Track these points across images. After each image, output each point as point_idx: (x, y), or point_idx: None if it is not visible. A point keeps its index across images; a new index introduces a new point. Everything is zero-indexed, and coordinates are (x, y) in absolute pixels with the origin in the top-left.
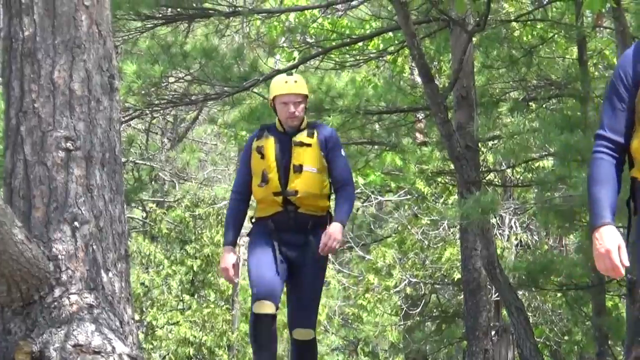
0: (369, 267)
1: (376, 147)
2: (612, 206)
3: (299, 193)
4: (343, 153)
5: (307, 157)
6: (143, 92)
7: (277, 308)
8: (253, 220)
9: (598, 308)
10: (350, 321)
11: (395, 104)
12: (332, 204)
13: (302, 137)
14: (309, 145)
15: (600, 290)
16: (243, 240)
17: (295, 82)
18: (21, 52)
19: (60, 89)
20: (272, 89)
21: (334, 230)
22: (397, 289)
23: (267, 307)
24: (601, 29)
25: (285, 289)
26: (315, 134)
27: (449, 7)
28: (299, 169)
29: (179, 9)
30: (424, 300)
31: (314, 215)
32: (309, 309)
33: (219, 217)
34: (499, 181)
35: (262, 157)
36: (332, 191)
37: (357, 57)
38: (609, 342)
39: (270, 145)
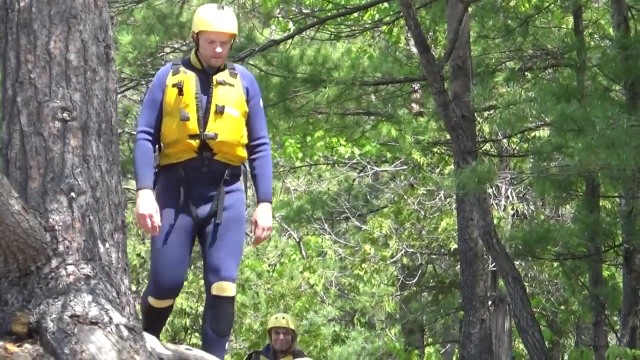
0: (365, 238)
1: (372, 117)
2: None
3: (219, 137)
4: (262, 104)
5: (230, 98)
6: (139, 62)
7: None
8: (156, 169)
9: (595, 278)
10: (346, 292)
11: (391, 74)
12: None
13: (224, 75)
14: (231, 85)
15: (597, 259)
16: None
17: (227, 19)
18: (17, 23)
19: (57, 59)
20: (198, 22)
21: (265, 218)
22: (394, 259)
23: (166, 303)
24: None
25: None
26: (239, 76)
27: None
28: (221, 110)
29: None
30: (420, 271)
31: (229, 165)
32: (229, 261)
33: None
34: (495, 151)
35: (181, 93)
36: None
37: (353, 28)
38: (606, 312)
39: (190, 81)
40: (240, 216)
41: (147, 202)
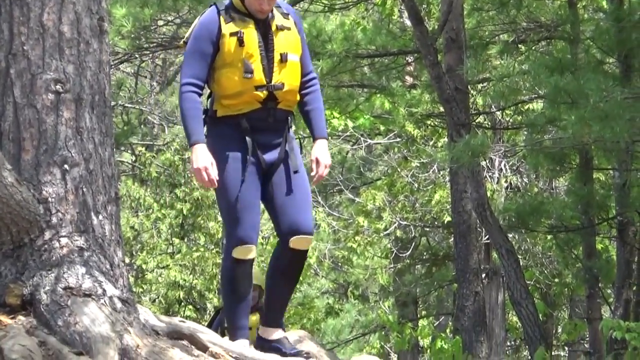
0: (359, 210)
1: (366, 90)
2: None
3: (285, 86)
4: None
5: (290, 43)
6: (132, 35)
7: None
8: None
9: (588, 250)
10: (340, 264)
11: (385, 47)
12: None
13: (280, 19)
14: (288, 29)
15: (591, 232)
16: None
17: None
18: None
19: (50, 31)
20: None
21: (325, 155)
22: (387, 231)
23: (251, 252)
24: None
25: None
26: (290, 16)
27: None
28: (285, 57)
29: None
30: (414, 243)
31: (290, 112)
32: (307, 212)
33: None
34: (489, 124)
35: (241, 44)
36: None
37: (346, 0)
38: (600, 285)
39: (251, 30)
40: (302, 163)
41: (202, 156)
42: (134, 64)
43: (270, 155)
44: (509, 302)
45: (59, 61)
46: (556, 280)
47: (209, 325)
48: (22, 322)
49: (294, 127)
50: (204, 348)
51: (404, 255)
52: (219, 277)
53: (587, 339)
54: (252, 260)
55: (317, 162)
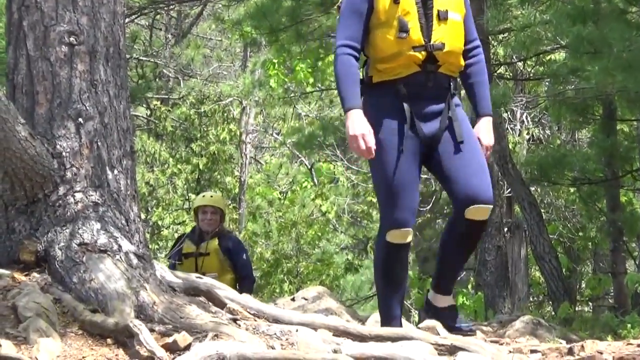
0: None
1: None
2: None
3: (446, 46)
4: None
5: (451, 1)
6: None
7: None
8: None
9: (612, 203)
10: (359, 219)
11: None
12: None
13: None
14: None
15: (615, 184)
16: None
17: None
18: None
19: None
20: None
21: (489, 136)
22: None
23: (407, 236)
24: None
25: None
26: None
27: None
28: (444, 15)
29: None
30: (434, 197)
31: (452, 77)
32: (484, 180)
33: (225, 115)
34: (510, 75)
35: (397, 0)
36: None
37: None
38: (624, 238)
39: None
40: (472, 130)
41: (358, 122)
42: (149, 16)
43: (431, 126)
44: (531, 257)
45: (72, 13)
46: (580, 234)
47: (169, 253)
48: (37, 279)
49: (457, 94)
50: (221, 304)
51: (424, 209)
52: (373, 260)
53: (612, 293)
54: (408, 244)
55: (480, 143)
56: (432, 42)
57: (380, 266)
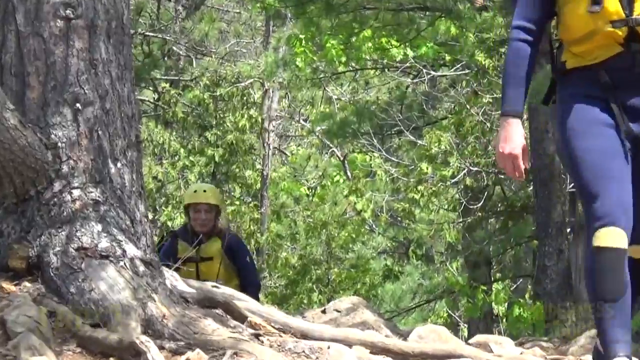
0: (422, 155)
1: (429, 13)
2: None
3: None
4: None
5: None
6: None
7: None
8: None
9: None
10: (400, 219)
11: None
12: None
13: None
14: None
15: None
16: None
17: None
18: None
19: None
20: None
21: None
22: (455, 179)
23: (617, 237)
24: None
25: None
26: None
27: None
28: None
29: None
30: (486, 193)
31: None
32: None
33: (244, 99)
34: None
35: None
36: None
37: None
38: None
39: None
40: None
41: (512, 136)
42: None
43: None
44: None
45: None
46: None
47: (157, 252)
48: (28, 289)
49: None
50: (241, 317)
51: (474, 207)
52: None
53: None
54: (623, 251)
55: None
56: (634, 16)
57: (589, 278)
